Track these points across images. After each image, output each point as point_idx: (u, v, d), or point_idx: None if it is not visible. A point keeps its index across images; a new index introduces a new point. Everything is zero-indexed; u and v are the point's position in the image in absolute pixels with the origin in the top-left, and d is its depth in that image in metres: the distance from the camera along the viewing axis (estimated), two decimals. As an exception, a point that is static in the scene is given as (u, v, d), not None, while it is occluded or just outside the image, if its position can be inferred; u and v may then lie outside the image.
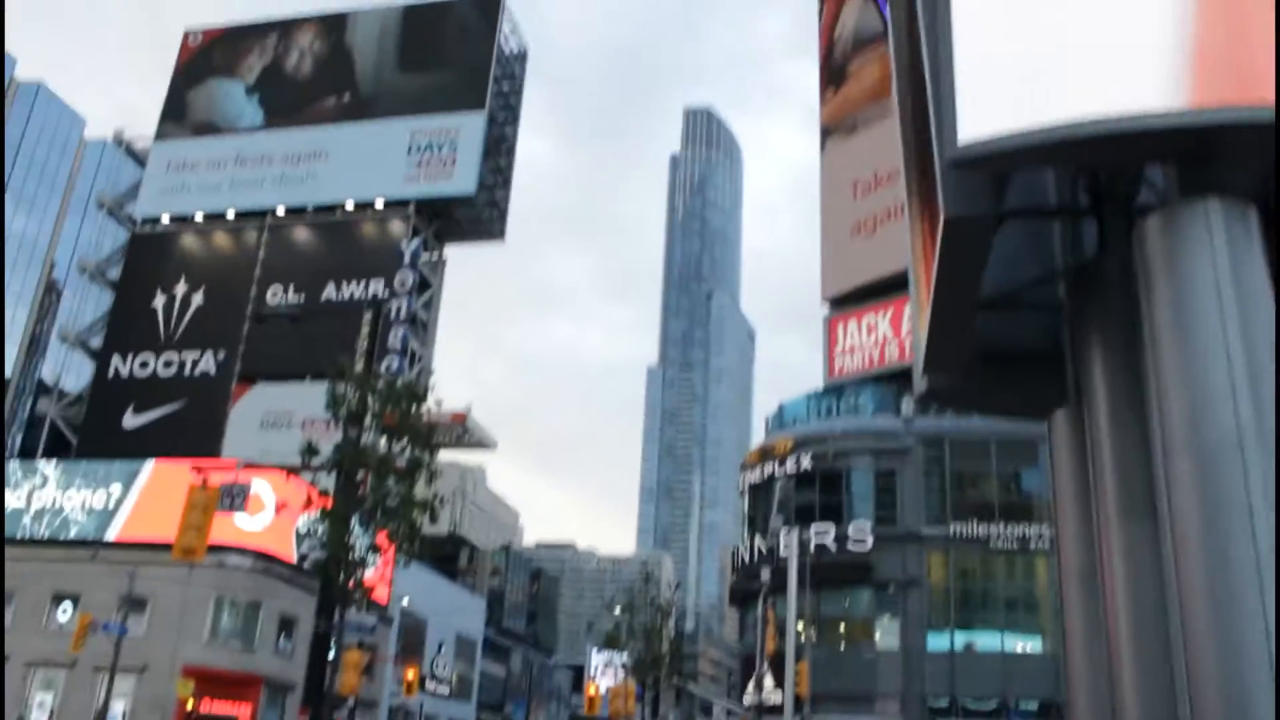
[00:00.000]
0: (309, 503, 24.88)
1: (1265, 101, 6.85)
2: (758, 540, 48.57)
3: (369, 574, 25.88)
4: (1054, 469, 10.28)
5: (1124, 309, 8.43)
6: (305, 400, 48.80)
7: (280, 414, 56.18)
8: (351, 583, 24.33)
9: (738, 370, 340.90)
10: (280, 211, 64.75)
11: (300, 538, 29.82)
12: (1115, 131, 7.03)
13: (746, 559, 49.95)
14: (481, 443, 62.55)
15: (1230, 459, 7.01)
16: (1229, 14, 7.18)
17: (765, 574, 42.22)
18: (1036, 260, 10.18)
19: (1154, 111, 6.94)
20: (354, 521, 24.03)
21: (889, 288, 32.29)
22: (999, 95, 7.38)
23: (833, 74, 41.06)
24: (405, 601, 56.17)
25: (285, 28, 71.60)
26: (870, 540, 45.68)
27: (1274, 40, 6.97)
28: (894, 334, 38.04)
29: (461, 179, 62.55)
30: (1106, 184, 9.14)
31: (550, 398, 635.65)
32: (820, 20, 42.86)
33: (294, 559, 43.70)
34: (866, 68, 35.99)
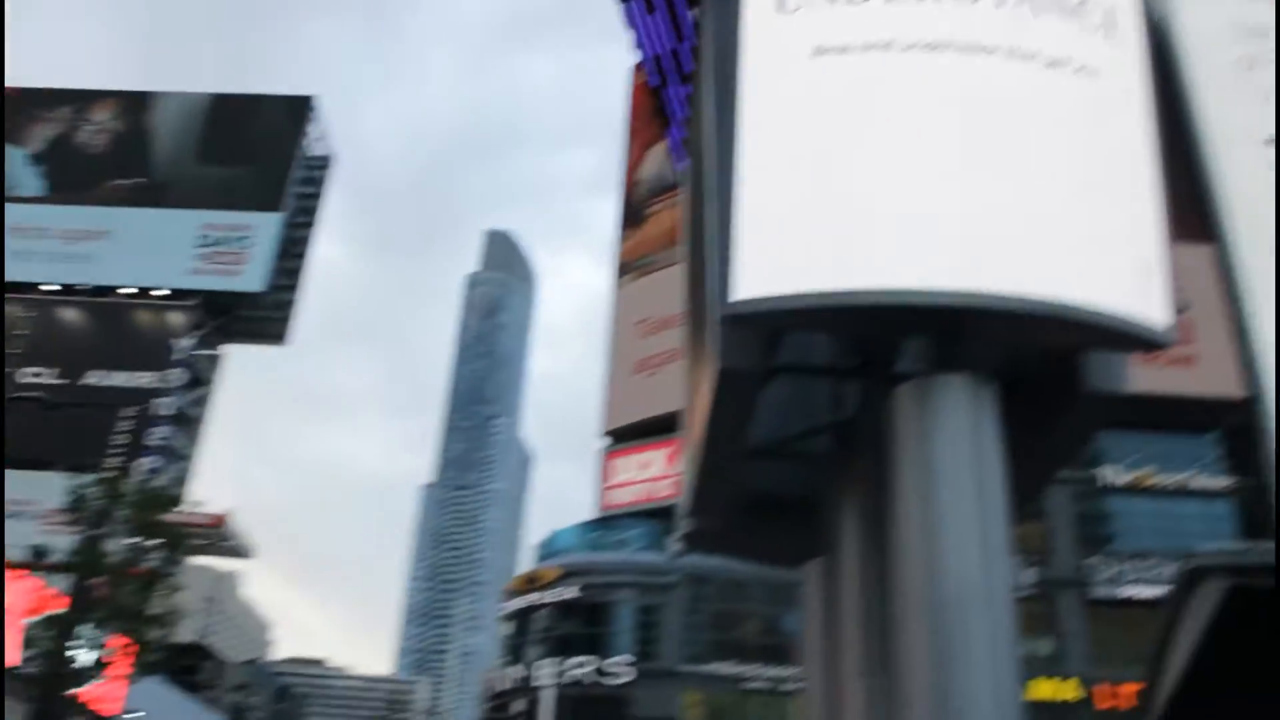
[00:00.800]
0: (35, 607, 23.02)
1: (1012, 289, 7.53)
2: (516, 669, 47.68)
3: (94, 685, 23.96)
4: (805, 617, 10.63)
5: (877, 468, 8.90)
6: (50, 491, 45.48)
7: (19, 503, 52.10)
8: (72, 694, 22.47)
9: (513, 495, 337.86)
10: (51, 288, 61.12)
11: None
12: (877, 305, 7.57)
13: (503, 688, 48.89)
14: (238, 550, 59.65)
15: (960, 618, 7.44)
16: (989, 202, 7.87)
17: (520, 704, 41.37)
18: (804, 413, 10.66)
19: (914, 289, 7.52)
20: (81, 629, 22.32)
21: (667, 426, 33.13)
22: (775, 256, 7.79)
23: (631, 214, 42.41)
24: (134, 717, 52.02)
25: (83, 99, 68.79)
26: (628, 676, 45.52)
27: (1029, 230, 7.70)
28: (668, 471, 38.83)
29: (250, 277, 60.88)
30: (870, 349, 9.73)
31: (320, 509, 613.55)
32: (625, 162, 44.40)
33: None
34: (663, 212, 37.45)
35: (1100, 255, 7.89)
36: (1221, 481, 38.91)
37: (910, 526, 7.96)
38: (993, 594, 7.56)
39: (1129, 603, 36.01)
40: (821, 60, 8.38)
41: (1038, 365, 9.06)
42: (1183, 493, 38.63)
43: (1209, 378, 38.84)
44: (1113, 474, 38.33)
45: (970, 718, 7.18)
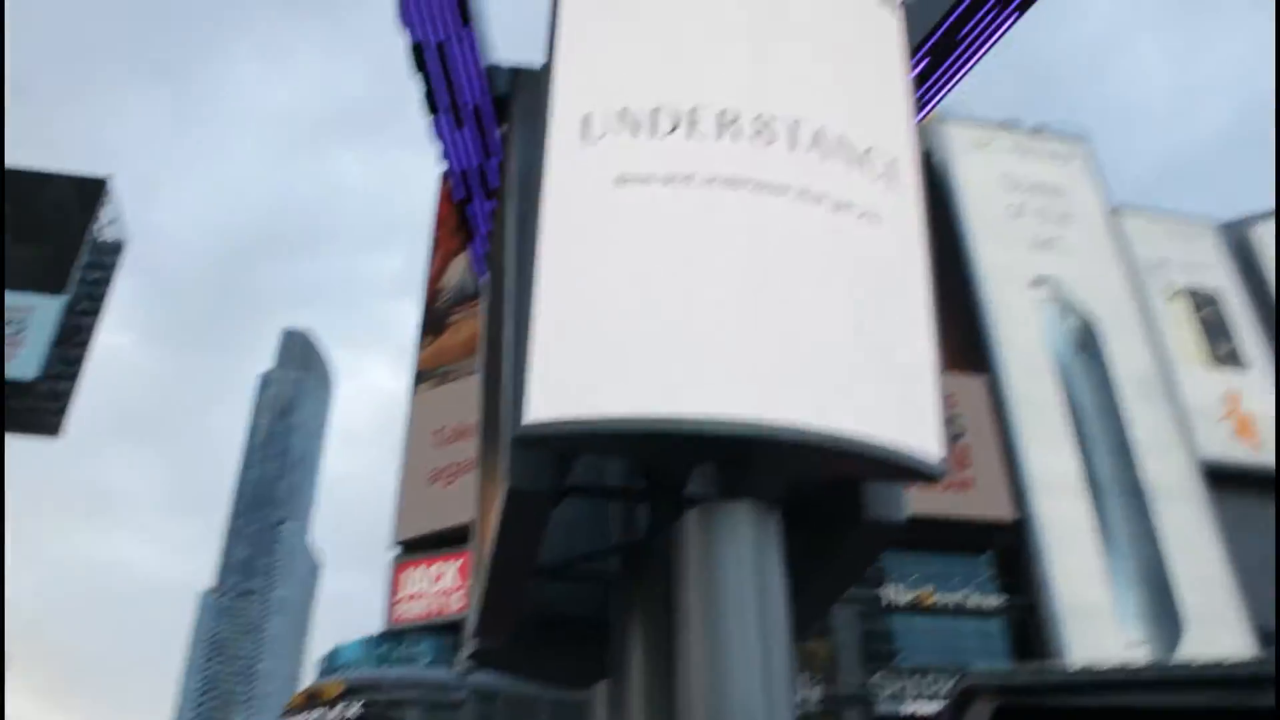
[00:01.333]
0: None
1: (794, 421, 7.78)
2: (294, 792, 45.06)
3: None
4: (592, 740, 10.48)
5: (664, 591, 8.93)
6: None
7: None
8: None
9: (298, 603, 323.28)
10: None
11: None
12: (664, 431, 7.69)
13: (278, 813, 46.10)
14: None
15: (744, 744, 7.48)
16: (775, 335, 8.14)
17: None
18: (595, 533, 10.67)
19: (700, 418, 7.67)
20: None
21: (461, 538, 32.51)
22: (568, 379, 7.82)
23: (433, 322, 42.16)
24: None
25: None
26: (413, 798, 43.64)
27: (812, 364, 7.99)
28: (460, 584, 37.98)
29: (23, 363, 57.14)
30: (660, 472, 9.85)
31: (88, 616, 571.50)
32: (428, 269, 44.22)
33: None
34: (464, 322, 37.38)
35: (878, 390, 8.26)
36: (994, 600, 40.80)
37: (694, 650, 7.99)
38: (775, 717, 7.63)
39: (911, 719, 37.02)
40: (623, 189, 8.59)
41: (821, 492, 9.37)
42: (960, 611, 40.29)
43: (982, 501, 40.91)
44: (895, 593, 39.68)
45: None
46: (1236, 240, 56.17)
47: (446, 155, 13.75)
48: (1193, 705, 17.68)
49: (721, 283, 8.20)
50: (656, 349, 7.89)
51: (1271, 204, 53.01)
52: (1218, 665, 18.82)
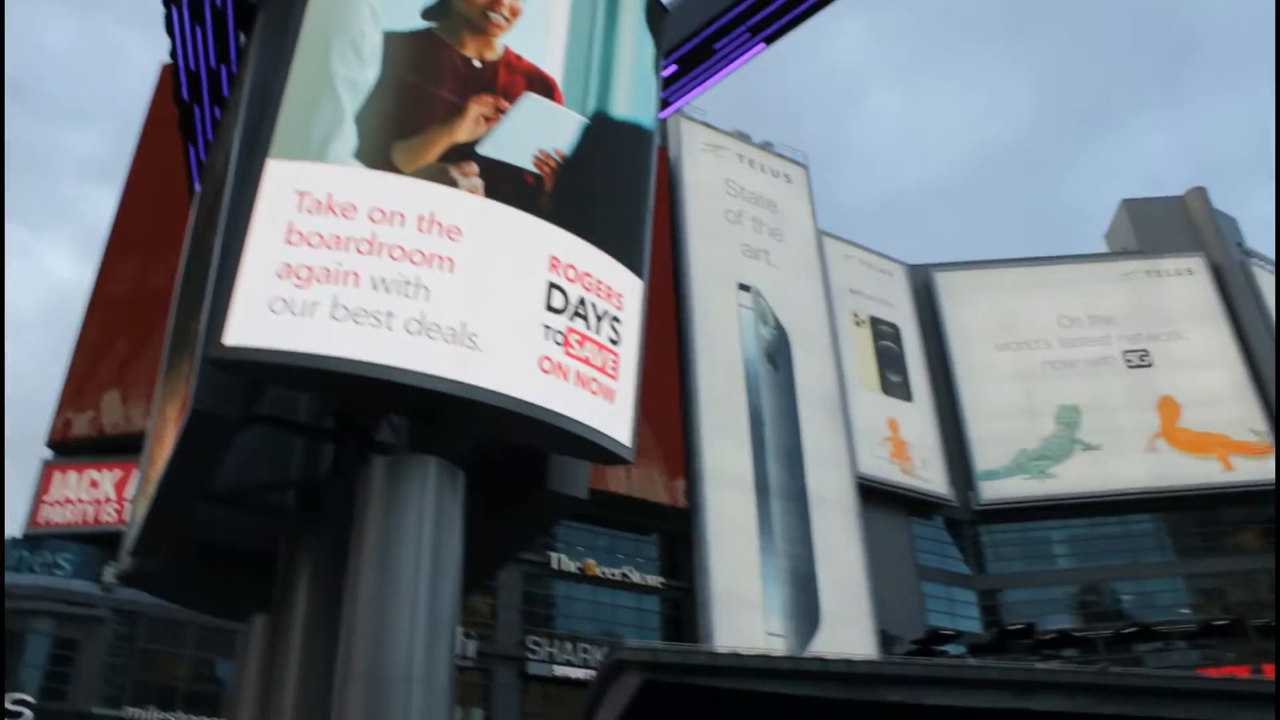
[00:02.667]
0: None
1: (489, 386, 7.96)
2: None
3: None
4: (242, 671, 10.31)
5: (337, 531, 8.92)
6: None
7: None
8: None
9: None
10: None
11: None
12: (362, 376, 7.68)
13: None
14: None
15: (399, 695, 7.61)
16: (486, 313, 8.27)
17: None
18: (274, 465, 10.44)
19: (398, 368, 7.70)
20: None
21: (124, 447, 30.70)
22: (273, 310, 7.64)
23: (128, 214, 39.53)
24: None
25: None
26: (27, 717, 40.92)
27: (515, 343, 8.19)
28: (117, 496, 35.85)
29: None
30: (350, 416, 9.80)
31: None
32: (134, 159, 41.36)
33: None
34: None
35: (576, 376, 8.56)
36: (655, 579, 42.65)
37: (364, 592, 8.04)
38: (434, 672, 7.81)
39: (561, 682, 38.10)
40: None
41: (508, 460, 9.62)
42: (621, 585, 41.84)
43: (656, 486, 42.67)
44: (562, 560, 40.69)
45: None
46: (922, 283, 61.11)
47: (177, 51, 13.01)
48: (817, 696, 19.35)
49: (439, 255, 8.24)
50: (367, 296, 7.82)
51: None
52: (844, 662, 20.65)
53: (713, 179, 52.18)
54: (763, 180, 54.87)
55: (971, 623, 52.78)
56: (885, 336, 57.45)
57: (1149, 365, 60.31)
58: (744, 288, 50.20)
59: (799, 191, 56.23)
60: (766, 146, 56.39)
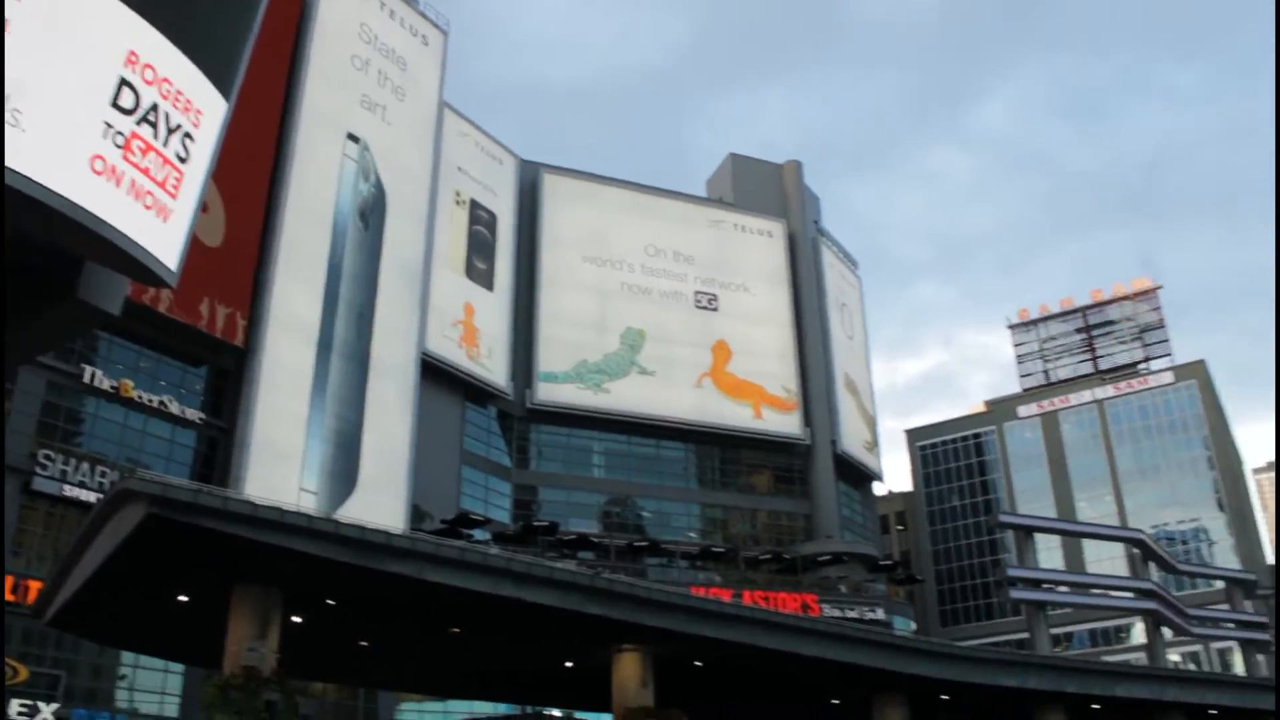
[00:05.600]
0: None
1: (23, 170, 7.30)
2: None
3: None
4: None
5: None
6: None
7: None
8: None
9: None
10: None
11: None
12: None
13: None
14: None
15: None
16: (27, 71, 7.56)
17: None
18: None
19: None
20: None
21: None
22: None
23: None
24: None
25: None
26: None
27: (75, 141, 7.54)
28: None
29: None
30: None
31: None
32: None
33: None
34: None
35: (131, 184, 8.04)
36: (195, 414, 40.74)
37: None
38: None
39: (70, 502, 35.55)
40: None
41: (44, 260, 8.89)
42: (158, 413, 39.51)
43: (216, 318, 40.79)
44: (99, 375, 37.79)
45: None
46: (529, 179, 62.15)
47: None
48: (326, 557, 19.51)
49: None
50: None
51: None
52: (357, 528, 20.89)
53: (349, 19, 49.95)
54: (399, 35, 53.19)
55: (503, 513, 55.36)
56: (481, 222, 58.01)
57: (715, 309, 65.37)
58: (353, 138, 48.69)
59: (433, 56, 55.10)
60: (412, 1, 54.63)
